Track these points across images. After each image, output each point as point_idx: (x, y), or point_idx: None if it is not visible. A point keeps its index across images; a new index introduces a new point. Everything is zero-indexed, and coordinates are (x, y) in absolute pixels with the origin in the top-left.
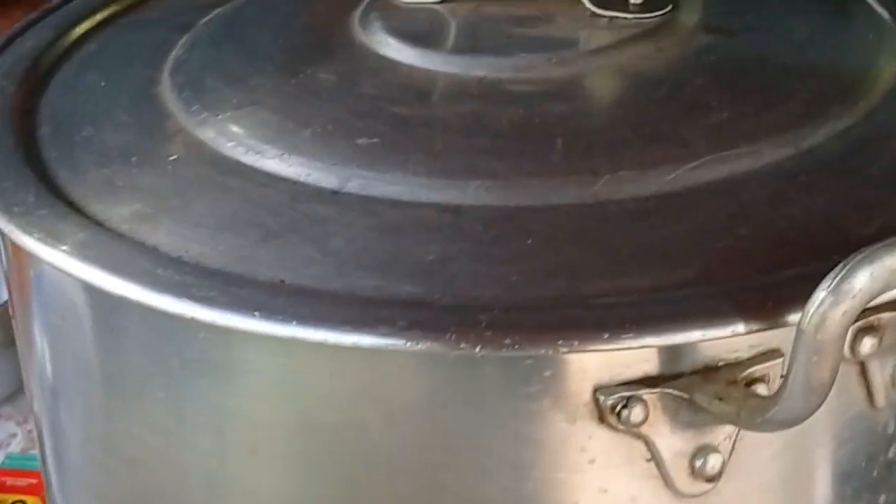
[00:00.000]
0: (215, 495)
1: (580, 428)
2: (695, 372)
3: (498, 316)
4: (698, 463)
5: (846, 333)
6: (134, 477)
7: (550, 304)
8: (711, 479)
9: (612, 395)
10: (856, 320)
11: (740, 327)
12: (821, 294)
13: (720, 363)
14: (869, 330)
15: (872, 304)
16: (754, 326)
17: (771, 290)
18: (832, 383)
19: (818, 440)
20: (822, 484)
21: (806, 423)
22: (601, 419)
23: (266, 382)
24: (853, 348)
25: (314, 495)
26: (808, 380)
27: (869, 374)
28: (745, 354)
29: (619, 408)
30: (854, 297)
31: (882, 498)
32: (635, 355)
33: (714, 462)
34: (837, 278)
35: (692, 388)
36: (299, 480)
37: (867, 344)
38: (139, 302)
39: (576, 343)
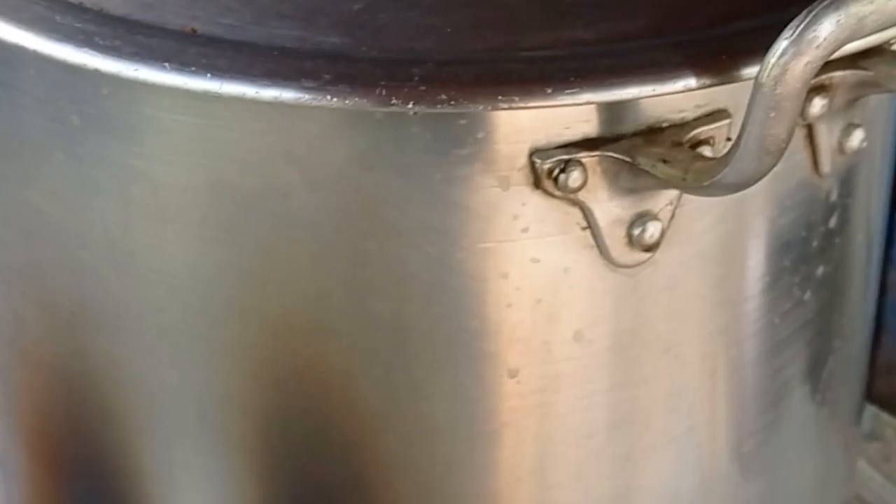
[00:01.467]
0: (119, 266)
1: (514, 194)
2: (637, 134)
3: (432, 69)
4: (636, 231)
5: (806, 88)
6: (30, 249)
7: (488, 57)
8: (649, 248)
9: (549, 158)
10: None
11: (692, 81)
12: (783, 43)
13: (664, 124)
14: (820, 90)
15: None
16: (707, 81)
17: (726, 42)
18: (788, 142)
19: (759, 208)
20: (761, 254)
21: (747, 189)
22: (536, 184)
23: (177, 142)
24: (803, 109)
25: (228, 265)
26: (763, 138)
27: (816, 137)
28: (690, 115)
29: (556, 172)
30: (818, 46)
31: (820, 269)
32: (575, 115)
33: (653, 230)
34: (801, 26)
35: (635, 150)
36: (212, 250)
37: (817, 105)
38: (35, 51)
39: (516, 99)
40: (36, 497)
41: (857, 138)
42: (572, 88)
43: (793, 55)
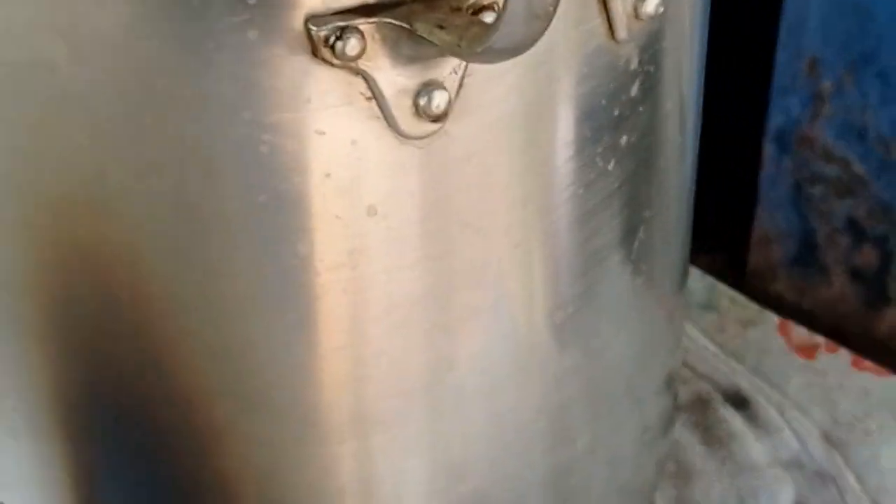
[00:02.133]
0: None
1: (292, 64)
2: None
3: None
4: (422, 101)
5: None
6: None
7: None
8: (437, 118)
9: (325, 25)
10: None
11: None
12: None
13: None
14: None
15: None
16: None
17: None
18: (556, 6)
19: (555, 75)
20: (560, 123)
21: (541, 55)
22: (315, 53)
23: None
24: None
25: (1, 143)
26: (529, 1)
27: (609, 2)
28: None
29: (332, 39)
30: None
31: (624, 139)
32: None
33: (439, 100)
34: None
35: (414, 16)
36: None
37: None
38: None
39: None
40: None
41: (652, 3)
42: None
43: None
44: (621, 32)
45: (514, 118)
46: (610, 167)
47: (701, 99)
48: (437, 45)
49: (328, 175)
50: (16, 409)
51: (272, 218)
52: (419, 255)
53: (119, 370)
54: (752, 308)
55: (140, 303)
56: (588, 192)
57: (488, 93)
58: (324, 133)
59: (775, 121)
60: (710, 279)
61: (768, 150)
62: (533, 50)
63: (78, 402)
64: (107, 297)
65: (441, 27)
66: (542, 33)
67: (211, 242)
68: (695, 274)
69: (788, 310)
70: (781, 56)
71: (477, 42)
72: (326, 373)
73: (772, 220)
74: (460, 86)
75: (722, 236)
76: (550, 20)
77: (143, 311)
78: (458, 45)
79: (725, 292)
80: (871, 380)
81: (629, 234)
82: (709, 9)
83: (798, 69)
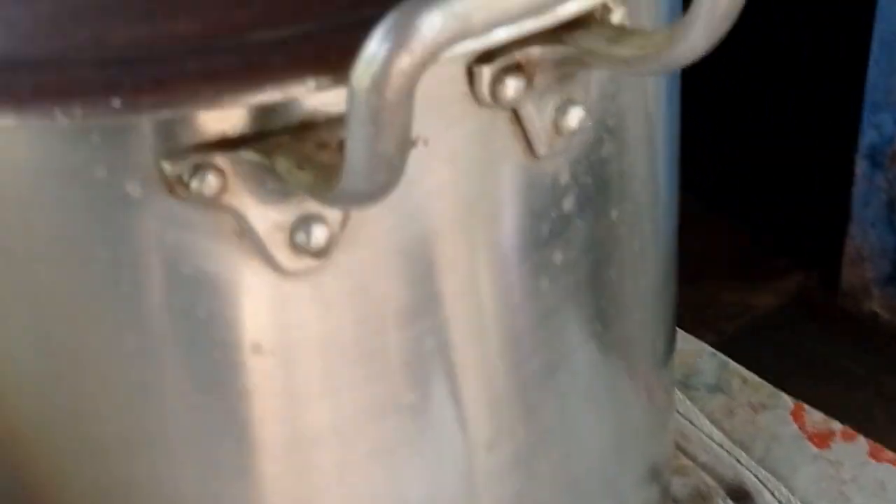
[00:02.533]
0: None
1: (151, 202)
2: (286, 130)
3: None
4: (299, 236)
5: (411, 93)
6: None
7: (76, 55)
8: (318, 253)
9: (178, 161)
10: (490, 59)
11: (311, 83)
12: (373, 44)
13: (321, 119)
14: (512, 70)
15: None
16: (328, 81)
17: (338, 37)
18: (403, 156)
19: (463, 198)
20: (471, 248)
21: (444, 180)
22: (171, 191)
23: None
24: (494, 93)
25: None
26: (368, 154)
27: (524, 121)
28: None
29: (187, 177)
30: (419, 48)
31: (557, 256)
32: (210, 114)
33: (319, 235)
34: (397, 23)
35: (277, 150)
36: None
37: (511, 87)
38: None
39: (82, 110)
40: None
41: (574, 117)
42: (147, 99)
43: (386, 59)
44: (541, 149)
45: (416, 246)
46: (543, 286)
47: (674, 187)
48: (293, 186)
49: (203, 314)
50: None
51: (145, 357)
52: (315, 391)
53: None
54: (766, 389)
55: (12, 443)
56: (515, 316)
57: (382, 221)
58: (196, 271)
59: (867, 137)
60: (721, 358)
61: (861, 167)
62: (433, 175)
63: None
64: None
65: (300, 167)
66: (391, 185)
67: (79, 381)
68: (705, 353)
69: (883, 329)
70: (873, 73)
71: (326, 187)
72: None
73: (864, 238)
74: (345, 218)
75: (814, 255)
76: (400, 171)
77: (17, 451)
78: (312, 188)
79: (737, 371)
80: (890, 471)
81: (575, 350)
82: (677, 87)
83: (891, 86)
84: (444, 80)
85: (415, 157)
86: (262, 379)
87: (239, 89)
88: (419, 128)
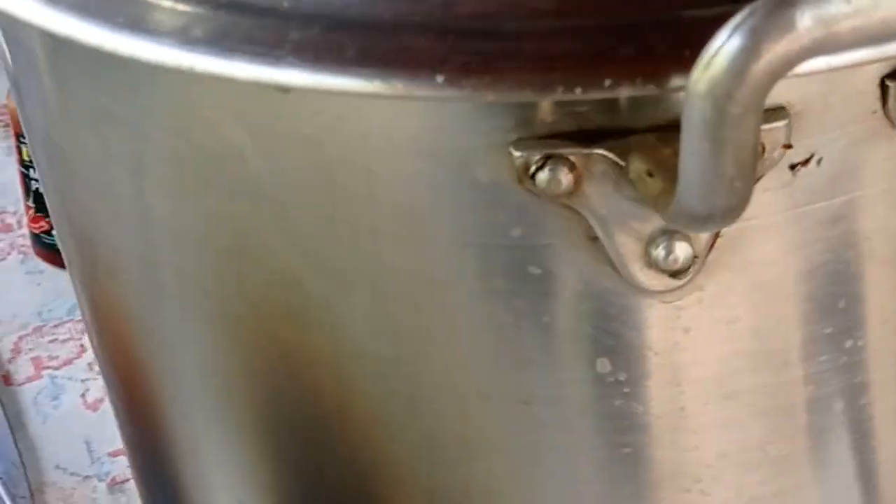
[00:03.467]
0: (115, 212)
1: (500, 191)
2: (653, 128)
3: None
4: (657, 252)
5: (759, 107)
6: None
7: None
8: (676, 273)
9: (526, 150)
10: None
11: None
12: (719, 44)
13: None
14: None
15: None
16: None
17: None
18: (748, 180)
19: (860, 232)
20: (861, 283)
21: (839, 208)
22: (519, 181)
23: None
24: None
25: (206, 237)
26: (702, 173)
27: None
28: None
29: (533, 169)
30: (778, 49)
31: None
32: (566, 103)
33: (679, 252)
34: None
35: (634, 151)
36: (192, 222)
37: None
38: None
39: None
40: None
41: None
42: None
43: (735, 62)
44: None
45: (800, 281)
46: None
47: None
48: (638, 195)
49: (547, 319)
50: (241, 500)
51: (482, 357)
52: (667, 427)
53: (332, 486)
54: None
55: (347, 422)
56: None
57: (758, 249)
58: (538, 272)
59: None
60: None
61: None
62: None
63: None
64: (315, 409)
65: (650, 174)
66: (734, 211)
67: (418, 370)
68: None
69: None
70: None
71: (665, 204)
72: None
73: None
74: (714, 237)
75: None
76: (742, 198)
77: (352, 432)
78: (657, 202)
79: None
80: None
81: None
82: None
83: None
84: (849, 94)
85: (805, 179)
86: (603, 403)
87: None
88: (810, 144)
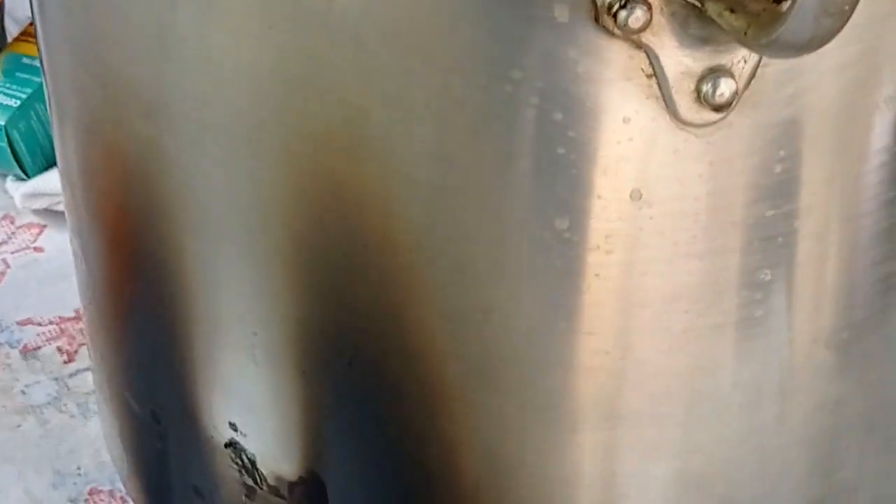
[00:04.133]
0: (167, 50)
1: (571, 28)
2: None
3: None
4: (706, 87)
5: None
6: (88, 18)
7: None
8: (720, 107)
9: None
10: None
11: None
12: None
13: None
14: None
15: None
16: None
17: None
18: (853, 5)
19: (870, 76)
20: (867, 129)
21: (854, 53)
22: (597, 19)
23: None
24: None
25: (271, 65)
26: None
27: None
28: None
29: (616, 7)
30: None
31: None
32: None
33: (724, 88)
34: None
35: None
36: (256, 46)
37: None
38: None
39: None
40: (107, 283)
41: None
42: None
43: None
44: None
45: (812, 119)
46: None
47: None
48: (723, 29)
49: (595, 151)
50: (256, 333)
51: (530, 185)
52: (681, 252)
53: (358, 314)
54: None
55: (387, 250)
56: (884, 211)
57: (784, 88)
58: (595, 106)
59: None
60: None
61: None
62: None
63: (315, 337)
64: (356, 239)
65: (732, 10)
66: (833, 33)
67: (464, 201)
68: None
69: None
70: None
71: (763, 33)
72: (568, 356)
73: None
74: (752, 76)
75: None
76: (845, 19)
77: (390, 260)
78: (745, 34)
79: None
80: None
81: None
82: None
83: None
84: None
85: None
86: (632, 228)
87: None
88: None
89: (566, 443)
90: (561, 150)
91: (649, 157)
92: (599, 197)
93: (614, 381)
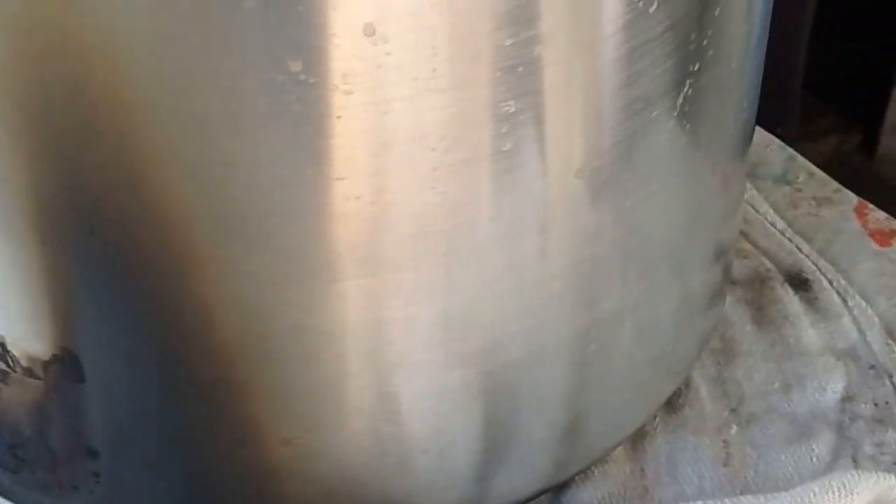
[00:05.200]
0: None
1: None
2: None
3: None
4: None
5: None
6: None
7: None
8: None
9: None
10: None
11: None
12: None
13: None
14: None
15: None
16: None
17: None
18: None
19: None
20: None
21: None
22: None
23: None
24: None
25: None
26: None
27: None
28: None
29: None
30: None
31: None
32: None
33: None
34: None
35: None
36: None
37: None
38: None
39: None
40: None
41: None
42: None
43: None
44: None
45: None
46: (652, 9)
47: None
48: None
49: None
50: None
51: (259, 26)
52: (421, 88)
53: (95, 177)
54: (831, 185)
55: (117, 108)
56: (628, 34)
57: None
58: None
59: None
60: (789, 151)
61: None
62: None
63: (51, 204)
64: (82, 97)
65: None
66: None
67: (191, 49)
68: (773, 144)
69: None
70: None
71: None
72: (317, 203)
73: None
74: None
75: (855, 117)
76: None
77: (121, 118)
78: None
79: (804, 166)
80: None
81: (674, 86)
82: None
83: None
84: None
85: None
86: (370, 66)
87: None
88: None
89: (326, 293)
90: None
91: None
92: (332, 34)
93: (368, 226)
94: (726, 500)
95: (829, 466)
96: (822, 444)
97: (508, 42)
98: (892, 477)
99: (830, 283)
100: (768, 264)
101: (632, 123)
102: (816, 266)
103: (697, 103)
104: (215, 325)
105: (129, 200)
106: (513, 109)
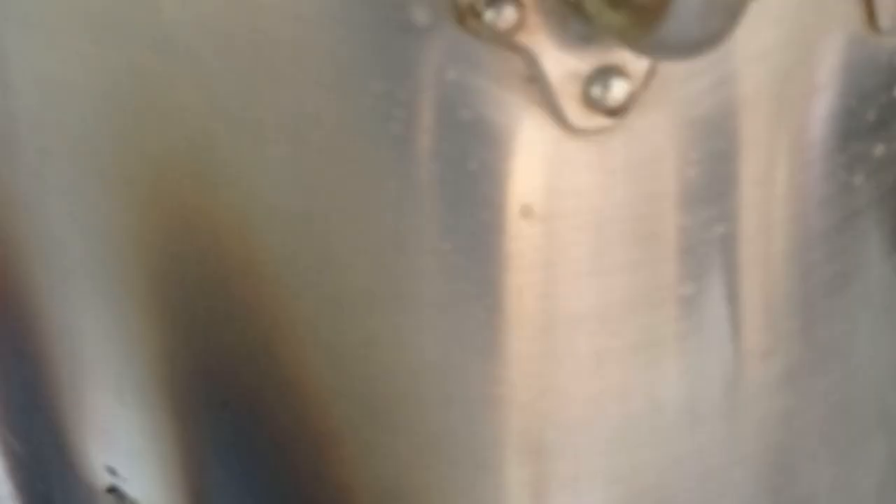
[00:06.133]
0: None
1: (435, 32)
2: None
3: None
4: (596, 90)
5: None
6: None
7: None
8: (614, 111)
9: None
10: None
11: None
12: None
13: None
14: None
15: None
16: None
17: None
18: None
19: (785, 69)
20: (787, 128)
21: (767, 44)
22: (461, 21)
23: None
24: None
25: (100, 86)
26: None
27: None
28: None
29: (480, 6)
30: None
31: (879, 149)
32: None
33: (617, 90)
34: None
35: None
36: (82, 62)
37: None
38: None
39: None
40: None
41: None
42: None
43: None
44: (885, 21)
45: (722, 118)
46: (856, 183)
47: None
48: (601, 25)
49: (474, 167)
50: (121, 374)
51: (405, 207)
52: (583, 269)
53: (228, 351)
54: None
55: (250, 283)
56: (821, 211)
57: (689, 85)
58: (474, 117)
59: None
60: None
61: None
62: (756, 37)
63: (184, 376)
64: (215, 271)
65: (613, 7)
66: (724, 33)
67: (330, 227)
68: None
69: None
70: None
71: (645, 32)
72: (462, 389)
73: None
74: (650, 74)
75: None
76: (735, 18)
77: (254, 292)
78: (625, 30)
79: None
80: None
81: (873, 261)
82: None
83: None
84: None
85: None
86: (527, 247)
87: None
88: None
89: (474, 480)
90: (433, 167)
91: (538, 170)
92: (484, 215)
93: (520, 414)
94: None
95: None
96: None
97: (685, 222)
98: None
99: None
100: None
101: (830, 301)
102: None
103: None
104: None
105: (264, 375)
106: (689, 291)
